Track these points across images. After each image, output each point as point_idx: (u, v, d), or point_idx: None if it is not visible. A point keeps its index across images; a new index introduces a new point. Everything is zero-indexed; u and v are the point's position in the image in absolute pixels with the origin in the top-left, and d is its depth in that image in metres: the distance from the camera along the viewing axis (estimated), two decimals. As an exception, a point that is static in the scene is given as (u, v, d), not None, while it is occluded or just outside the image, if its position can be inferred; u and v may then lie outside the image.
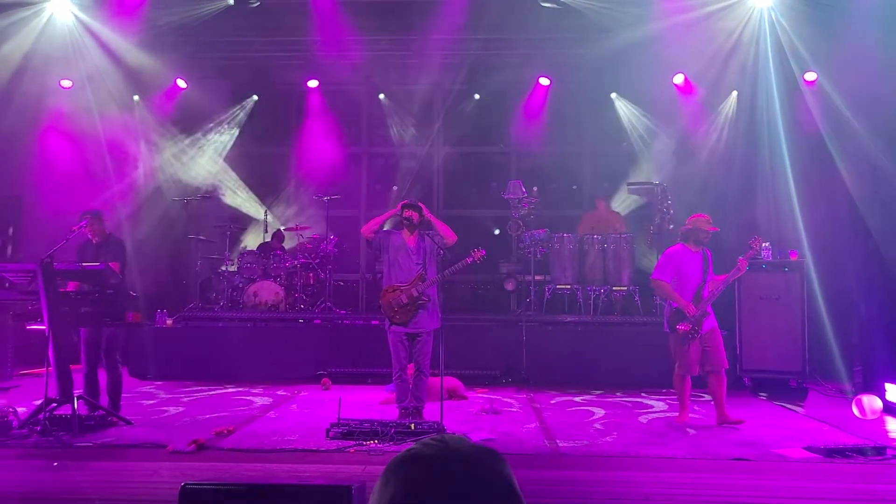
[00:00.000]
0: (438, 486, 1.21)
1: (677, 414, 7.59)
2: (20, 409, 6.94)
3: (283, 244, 12.80)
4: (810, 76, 10.68)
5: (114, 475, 5.49)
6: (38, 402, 6.74)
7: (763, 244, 8.92)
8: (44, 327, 6.76)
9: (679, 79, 12.20)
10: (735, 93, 12.05)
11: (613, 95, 13.46)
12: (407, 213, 7.41)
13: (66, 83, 11.66)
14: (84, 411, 6.96)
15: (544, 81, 13.19)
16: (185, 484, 2.87)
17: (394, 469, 1.26)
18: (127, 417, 7.30)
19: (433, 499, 1.20)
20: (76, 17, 11.08)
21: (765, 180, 10.98)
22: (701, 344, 7.27)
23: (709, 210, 8.07)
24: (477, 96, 13.87)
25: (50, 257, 6.76)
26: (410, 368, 7.42)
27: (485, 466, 1.25)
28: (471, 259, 7.21)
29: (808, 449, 6.28)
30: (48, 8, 10.80)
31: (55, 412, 6.78)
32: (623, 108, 13.41)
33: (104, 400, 7.41)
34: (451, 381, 9.00)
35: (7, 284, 7.26)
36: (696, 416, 7.89)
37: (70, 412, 6.74)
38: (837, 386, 9.27)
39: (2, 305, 7.38)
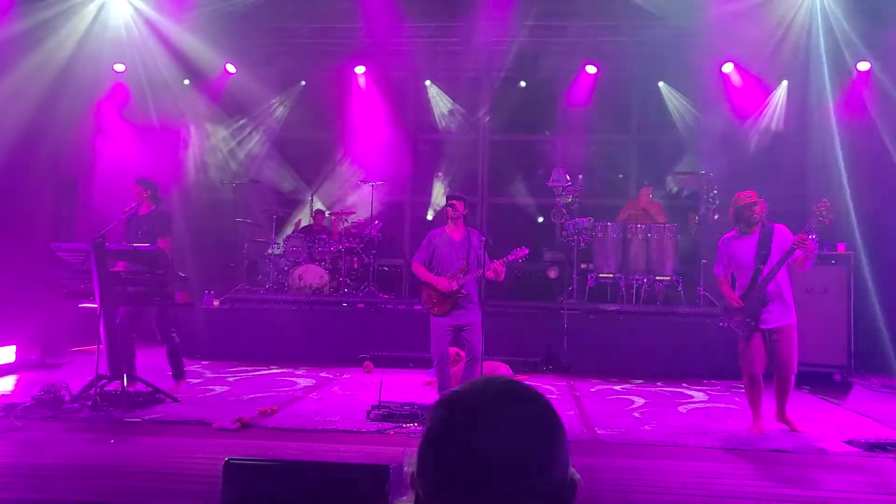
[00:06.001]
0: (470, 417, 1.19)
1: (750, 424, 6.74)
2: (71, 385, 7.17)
3: (324, 225, 12.93)
4: (863, 66, 10.48)
5: (160, 450, 5.65)
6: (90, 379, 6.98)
7: (811, 235, 8.76)
8: (95, 305, 6.98)
9: (728, 67, 12.04)
10: (785, 82, 11.85)
11: (661, 84, 13.32)
12: (450, 202, 7.40)
13: (119, 67, 11.88)
14: (130, 388, 7.16)
15: (591, 69, 13.10)
16: (229, 459, 2.98)
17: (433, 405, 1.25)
18: (174, 395, 7.48)
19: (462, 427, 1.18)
20: (129, 2, 11.34)
21: (816, 171, 10.81)
22: (769, 340, 6.54)
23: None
24: (523, 84, 13.86)
25: (102, 237, 6.97)
26: (451, 351, 7.45)
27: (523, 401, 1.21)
28: (513, 257, 7.15)
29: (849, 443, 6.21)
30: (102, -7, 11.05)
31: (106, 388, 7.00)
32: (671, 96, 13.26)
33: (147, 376, 7.59)
34: (503, 369, 9.03)
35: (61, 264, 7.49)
36: (735, 406, 7.84)
37: (120, 388, 6.95)
38: (885, 381, 9.14)
39: (56, 284, 7.61)
